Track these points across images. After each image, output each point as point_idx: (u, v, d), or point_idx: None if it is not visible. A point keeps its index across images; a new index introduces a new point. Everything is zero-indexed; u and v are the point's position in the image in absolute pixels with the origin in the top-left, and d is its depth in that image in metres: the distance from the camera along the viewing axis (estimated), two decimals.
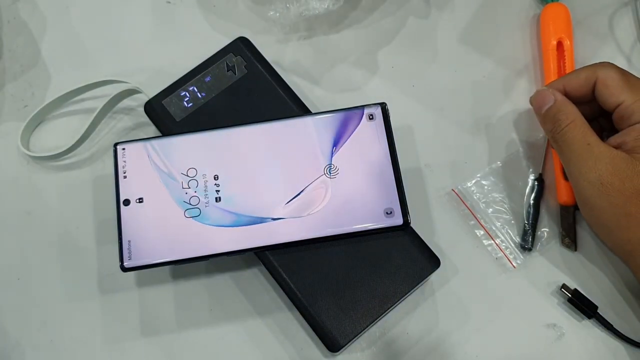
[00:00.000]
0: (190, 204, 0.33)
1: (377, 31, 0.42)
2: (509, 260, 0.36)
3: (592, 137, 0.32)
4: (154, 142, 0.34)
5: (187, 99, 0.37)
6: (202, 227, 0.33)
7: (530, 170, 0.38)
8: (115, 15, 0.43)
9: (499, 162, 0.38)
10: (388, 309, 0.33)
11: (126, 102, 0.40)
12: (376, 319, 0.33)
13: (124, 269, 0.32)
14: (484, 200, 0.38)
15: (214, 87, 0.37)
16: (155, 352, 0.35)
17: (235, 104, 0.37)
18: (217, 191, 0.33)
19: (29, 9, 0.43)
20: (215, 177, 0.33)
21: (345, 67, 0.41)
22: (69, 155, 0.39)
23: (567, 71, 0.39)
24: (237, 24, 0.42)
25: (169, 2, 0.44)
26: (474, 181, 0.38)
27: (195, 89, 0.37)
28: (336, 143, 0.34)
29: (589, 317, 0.34)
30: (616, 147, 0.32)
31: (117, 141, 0.34)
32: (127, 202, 0.33)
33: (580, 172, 0.32)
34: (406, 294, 0.33)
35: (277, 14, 0.40)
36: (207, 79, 0.37)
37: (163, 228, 0.33)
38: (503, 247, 0.36)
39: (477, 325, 0.35)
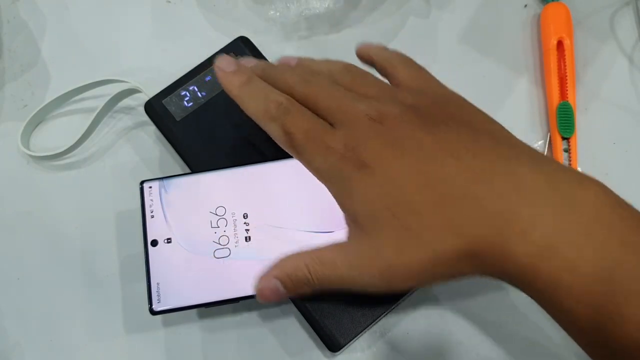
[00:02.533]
0: (220, 244, 0.32)
1: (378, 31, 0.42)
2: None
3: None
4: (182, 179, 0.33)
5: (188, 98, 0.37)
6: (232, 268, 0.32)
7: None
8: (115, 14, 0.43)
9: None
10: (389, 308, 0.33)
11: (126, 102, 0.40)
12: (377, 319, 0.33)
13: (153, 313, 0.31)
14: None
15: (214, 86, 0.37)
16: (154, 351, 0.35)
17: (235, 103, 0.37)
18: (247, 230, 0.32)
19: (29, 9, 0.43)
20: (245, 216, 0.33)
21: None
22: (69, 155, 0.39)
23: (568, 71, 0.39)
24: (238, 23, 0.42)
25: (169, 2, 0.43)
26: None
27: (195, 88, 0.37)
28: None
29: None
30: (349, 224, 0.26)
31: (142, 180, 0.33)
32: (155, 243, 0.32)
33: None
34: (407, 294, 0.33)
35: (278, 14, 0.40)
36: (208, 78, 0.37)
37: (193, 270, 0.32)
38: None
39: (478, 325, 0.35)
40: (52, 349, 0.35)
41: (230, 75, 0.28)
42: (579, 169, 0.38)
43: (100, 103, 0.38)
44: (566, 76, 0.39)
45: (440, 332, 0.35)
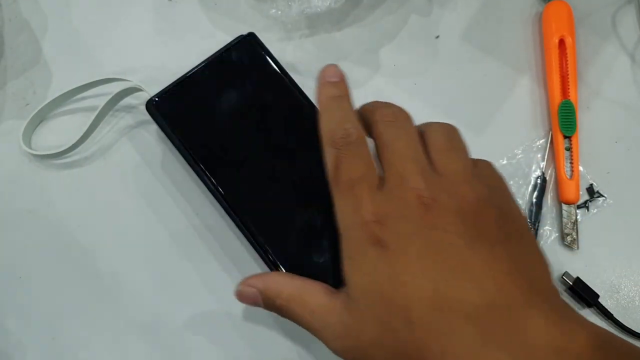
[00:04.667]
0: None
1: (379, 29, 0.42)
2: None
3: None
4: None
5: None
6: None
7: (533, 168, 0.38)
8: (116, 13, 0.43)
9: (501, 161, 0.38)
10: None
11: (128, 100, 0.40)
12: None
13: (148, 104, 0.34)
14: None
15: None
16: (155, 348, 0.35)
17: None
18: None
19: (31, 7, 0.43)
20: None
21: (346, 65, 0.41)
22: (71, 153, 0.39)
23: (569, 69, 0.39)
24: (239, 22, 0.42)
25: (171, 0, 0.43)
26: None
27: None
28: None
29: (589, 306, 0.35)
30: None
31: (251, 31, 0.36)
32: (208, 75, 0.36)
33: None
34: None
35: (279, 12, 0.40)
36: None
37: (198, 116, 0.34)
38: None
39: None
40: (55, 348, 0.35)
41: (328, 84, 0.27)
42: (581, 168, 0.38)
43: (101, 102, 0.38)
44: (568, 74, 0.39)
45: None
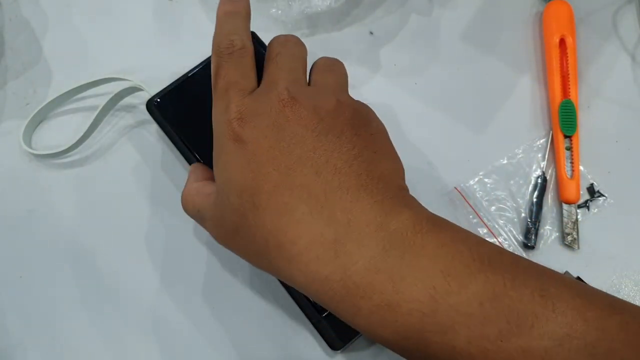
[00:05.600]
0: None
1: (379, 29, 0.42)
2: None
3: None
4: None
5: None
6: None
7: (533, 168, 0.38)
8: (116, 12, 0.43)
9: (501, 160, 0.38)
10: None
11: (128, 100, 0.40)
12: None
13: (148, 103, 0.35)
14: (486, 198, 0.38)
15: None
16: (156, 348, 0.35)
17: None
18: None
19: (31, 7, 0.43)
20: None
21: (347, 65, 0.41)
22: (71, 153, 0.39)
23: (570, 69, 0.39)
24: None
25: (171, 0, 0.43)
26: (476, 179, 0.38)
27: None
28: None
29: None
30: None
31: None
32: (208, 75, 0.36)
33: None
34: None
35: (279, 12, 0.40)
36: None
37: (198, 116, 0.34)
38: (506, 245, 0.36)
39: None
40: (55, 347, 0.35)
41: (227, 2, 0.29)
42: (581, 168, 0.38)
43: (102, 101, 0.38)
44: (568, 74, 0.39)
45: None
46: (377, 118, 0.28)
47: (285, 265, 0.24)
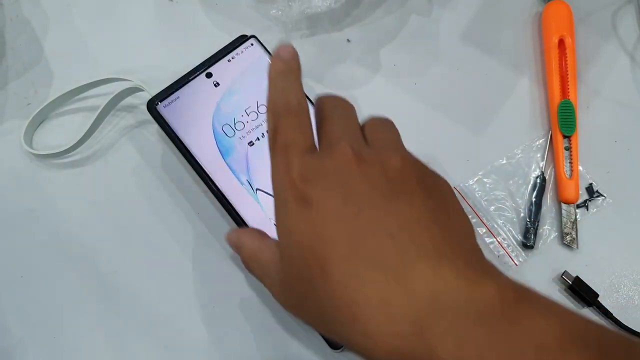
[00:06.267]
0: (234, 126, 0.36)
1: (379, 29, 0.42)
2: (511, 258, 0.36)
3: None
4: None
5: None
6: (214, 143, 0.35)
7: (532, 168, 0.38)
8: (117, 12, 0.43)
9: (501, 160, 0.38)
10: None
11: (129, 100, 0.40)
12: None
13: (152, 107, 0.35)
14: (485, 198, 0.38)
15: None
16: (155, 347, 0.35)
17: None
18: (257, 139, 0.35)
19: (32, 7, 0.44)
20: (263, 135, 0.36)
21: (347, 65, 0.41)
22: (72, 153, 0.39)
23: (569, 69, 0.39)
24: (240, 22, 0.42)
25: (172, 0, 0.44)
26: (476, 179, 0.38)
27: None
28: None
29: (589, 305, 0.35)
30: None
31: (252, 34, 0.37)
32: (209, 75, 0.36)
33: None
34: None
35: (280, 12, 0.40)
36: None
37: (201, 118, 0.35)
38: (505, 244, 0.37)
39: None
40: (56, 347, 0.35)
41: (279, 61, 0.28)
42: (580, 168, 0.38)
43: (102, 101, 0.39)
44: (567, 74, 0.39)
45: None
46: (443, 178, 0.27)
47: (361, 339, 0.22)
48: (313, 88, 0.40)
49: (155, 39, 0.43)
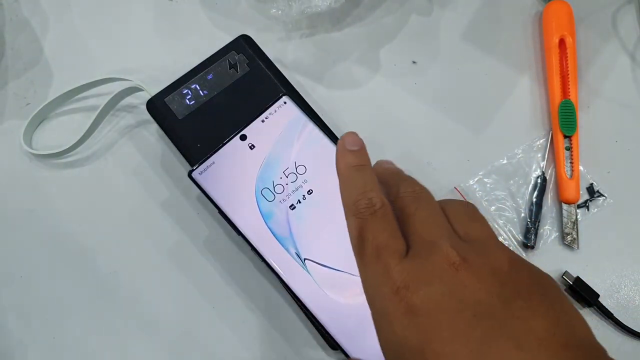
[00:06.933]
0: (274, 190, 0.33)
1: (379, 29, 0.42)
2: None
3: None
4: (311, 125, 0.34)
5: (189, 96, 0.37)
6: (257, 208, 0.33)
7: (533, 168, 0.38)
8: (117, 12, 0.43)
9: (501, 160, 0.38)
10: None
11: (128, 100, 0.40)
12: None
13: (190, 175, 0.33)
14: (486, 198, 0.38)
15: (216, 84, 0.37)
16: (155, 348, 0.35)
17: (237, 101, 0.37)
18: (298, 202, 0.33)
19: (31, 7, 0.43)
20: (309, 192, 0.33)
21: (347, 65, 0.41)
22: (72, 153, 0.39)
23: (570, 69, 0.39)
24: (239, 22, 0.42)
25: (172, 0, 0.43)
26: (476, 179, 0.38)
27: (197, 86, 0.37)
28: None
29: (589, 306, 0.35)
30: None
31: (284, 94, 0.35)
32: (243, 138, 0.34)
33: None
34: None
35: (280, 12, 0.40)
36: (210, 76, 0.37)
37: (240, 183, 0.33)
38: (506, 244, 0.36)
39: None
40: (55, 347, 0.35)
41: (348, 153, 0.27)
42: (581, 168, 0.38)
43: (102, 101, 0.38)
44: (568, 74, 0.39)
45: None
46: (544, 272, 0.25)
47: None
48: (314, 88, 0.40)
49: (155, 39, 0.42)
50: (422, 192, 0.26)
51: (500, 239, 0.36)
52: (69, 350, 0.35)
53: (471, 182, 0.38)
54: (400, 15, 0.42)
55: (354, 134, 0.27)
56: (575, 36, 0.40)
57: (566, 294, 0.25)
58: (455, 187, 0.38)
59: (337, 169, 0.27)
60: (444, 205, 0.27)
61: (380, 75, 0.41)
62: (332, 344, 0.32)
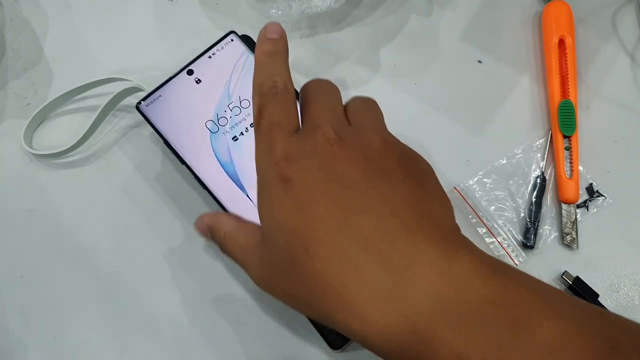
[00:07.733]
0: (218, 122, 0.35)
1: (379, 29, 0.42)
2: (511, 258, 0.36)
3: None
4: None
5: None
6: (201, 139, 0.35)
7: (532, 168, 0.38)
8: (117, 12, 0.43)
9: (501, 160, 0.38)
10: None
11: (129, 100, 0.40)
12: None
13: (137, 107, 0.35)
14: (486, 198, 0.38)
15: None
16: (155, 348, 0.35)
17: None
18: (241, 134, 0.35)
19: (31, 7, 0.44)
20: (252, 125, 0.34)
21: (347, 65, 0.41)
22: (72, 153, 0.39)
23: (569, 69, 0.39)
24: (239, 22, 0.42)
25: (172, 0, 0.44)
26: (476, 179, 0.38)
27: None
28: None
29: None
30: None
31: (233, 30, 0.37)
32: (190, 72, 0.37)
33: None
34: None
35: (279, 12, 0.40)
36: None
37: (185, 115, 0.35)
38: (505, 244, 0.36)
39: None
40: (55, 347, 0.35)
41: (266, 40, 0.28)
42: (580, 168, 0.38)
43: (102, 101, 0.39)
44: (568, 74, 0.39)
45: None
46: (423, 158, 0.27)
47: (339, 313, 0.22)
48: None
49: (155, 39, 0.43)
50: (327, 84, 0.29)
51: (500, 238, 0.37)
52: (69, 350, 0.35)
53: (471, 182, 0.38)
54: (400, 15, 0.42)
55: (276, 23, 0.29)
56: (574, 36, 0.40)
57: (437, 180, 0.26)
58: (454, 187, 0.38)
59: (255, 54, 0.28)
60: (350, 100, 0.29)
61: (380, 75, 0.41)
62: (332, 344, 0.32)
